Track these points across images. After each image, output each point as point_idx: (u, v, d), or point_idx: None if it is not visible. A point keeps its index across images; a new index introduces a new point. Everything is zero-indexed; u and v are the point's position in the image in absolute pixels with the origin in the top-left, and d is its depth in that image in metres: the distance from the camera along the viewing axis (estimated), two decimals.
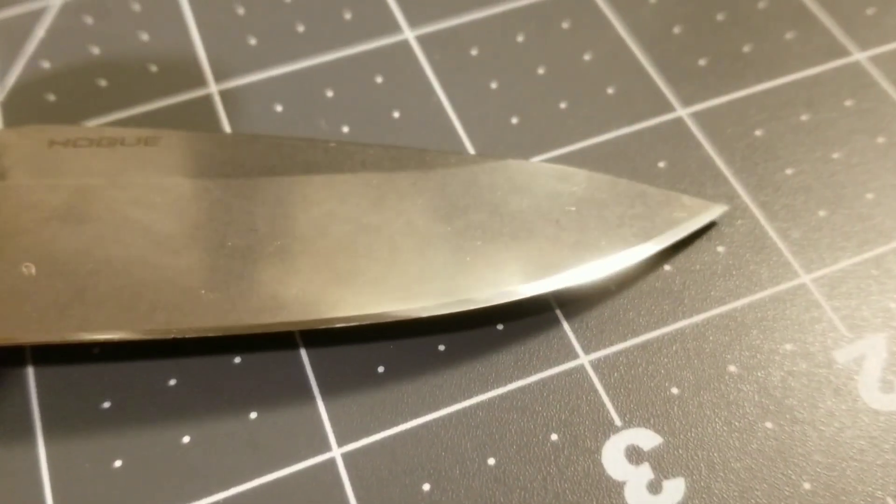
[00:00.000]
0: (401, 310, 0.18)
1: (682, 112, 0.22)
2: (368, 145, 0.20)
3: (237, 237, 0.18)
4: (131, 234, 0.18)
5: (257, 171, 0.19)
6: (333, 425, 0.18)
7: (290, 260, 0.18)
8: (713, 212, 0.20)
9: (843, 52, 0.24)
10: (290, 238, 0.18)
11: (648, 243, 0.19)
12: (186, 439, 0.18)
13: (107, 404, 0.18)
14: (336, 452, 0.18)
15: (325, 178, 0.19)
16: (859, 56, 0.24)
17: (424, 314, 0.18)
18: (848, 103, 0.23)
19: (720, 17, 0.24)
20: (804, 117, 0.22)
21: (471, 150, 0.22)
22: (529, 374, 0.19)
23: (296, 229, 0.18)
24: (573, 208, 0.19)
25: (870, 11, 0.25)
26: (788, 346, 0.19)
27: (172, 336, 0.17)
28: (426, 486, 0.17)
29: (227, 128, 0.22)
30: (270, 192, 0.19)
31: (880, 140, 0.22)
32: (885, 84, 0.23)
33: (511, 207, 0.19)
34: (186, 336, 0.17)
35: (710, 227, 0.20)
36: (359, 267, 0.18)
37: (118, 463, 0.17)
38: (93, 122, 0.22)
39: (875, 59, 0.24)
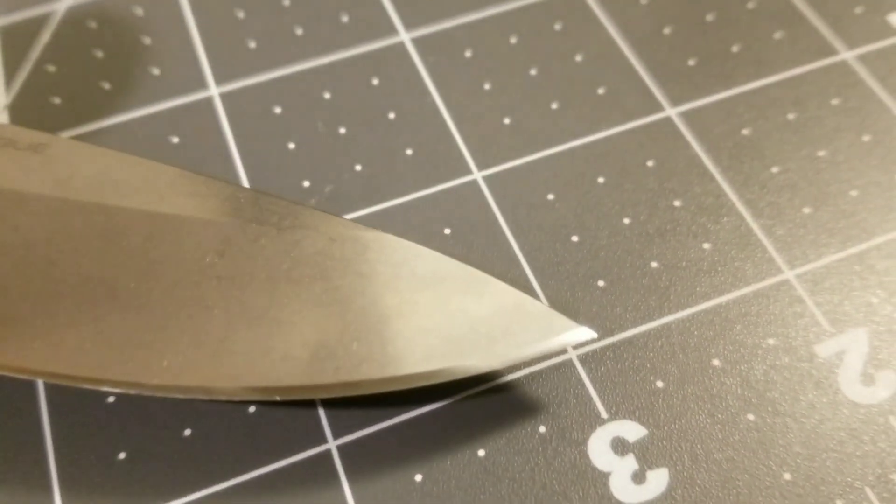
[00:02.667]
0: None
1: (671, 112, 0.23)
2: (246, 190, 0.19)
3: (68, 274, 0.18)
4: None
5: (115, 199, 0.19)
6: (329, 418, 0.19)
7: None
8: (576, 337, 0.18)
9: (831, 52, 0.24)
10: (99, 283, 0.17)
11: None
12: (188, 432, 0.18)
13: (111, 399, 0.19)
14: (332, 445, 0.18)
15: (175, 220, 0.18)
16: (846, 55, 0.24)
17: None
18: (834, 102, 0.23)
19: (710, 17, 0.25)
20: (791, 116, 0.23)
21: (464, 150, 0.22)
22: (519, 368, 0.19)
23: (120, 266, 0.18)
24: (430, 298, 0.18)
25: (858, 10, 0.25)
26: (771, 341, 0.19)
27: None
28: (418, 477, 0.18)
29: (226, 130, 0.23)
30: (127, 229, 0.18)
31: (865, 138, 0.22)
32: (871, 82, 0.24)
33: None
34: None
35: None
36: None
37: (122, 455, 0.18)
38: (96, 125, 0.23)
39: (862, 58, 0.24)
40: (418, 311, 0.18)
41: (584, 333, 0.17)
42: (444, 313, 0.18)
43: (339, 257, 0.18)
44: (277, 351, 0.17)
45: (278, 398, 0.17)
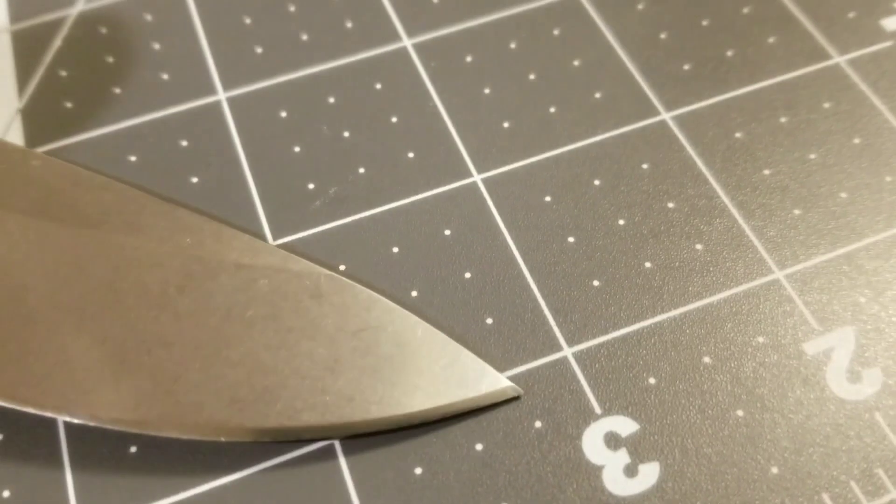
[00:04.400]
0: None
1: (666, 115, 0.23)
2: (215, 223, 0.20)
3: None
4: None
5: (88, 223, 0.19)
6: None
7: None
8: (505, 393, 0.19)
9: (824, 56, 0.25)
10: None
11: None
12: None
13: None
14: (334, 439, 0.19)
15: (140, 251, 0.19)
16: (839, 59, 0.25)
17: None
18: (826, 105, 0.24)
19: (705, 22, 0.25)
20: (783, 119, 0.23)
21: (464, 153, 0.23)
22: (516, 365, 0.20)
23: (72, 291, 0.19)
24: (373, 346, 0.19)
25: (851, 15, 0.26)
26: (761, 339, 0.20)
27: None
28: (418, 470, 0.19)
29: (234, 133, 0.23)
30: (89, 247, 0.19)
31: (856, 141, 0.23)
32: (862, 86, 0.24)
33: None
34: None
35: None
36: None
37: (133, 449, 0.19)
38: (108, 129, 0.23)
39: (854, 62, 0.25)
40: (361, 360, 0.19)
41: (512, 391, 0.19)
42: (385, 363, 0.19)
43: (292, 298, 0.19)
44: (226, 392, 0.18)
45: (223, 439, 0.18)
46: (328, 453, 0.19)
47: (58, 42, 0.25)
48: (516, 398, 0.19)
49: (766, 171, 0.23)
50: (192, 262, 0.19)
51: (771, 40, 0.25)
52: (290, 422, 0.18)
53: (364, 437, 0.19)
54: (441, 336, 0.19)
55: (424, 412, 0.18)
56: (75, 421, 0.18)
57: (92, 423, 0.18)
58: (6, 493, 0.18)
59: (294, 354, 0.18)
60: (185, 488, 0.18)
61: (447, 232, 0.22)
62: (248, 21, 0.26)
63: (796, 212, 0.22)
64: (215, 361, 0.18)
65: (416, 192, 0.22)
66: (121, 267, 0.19)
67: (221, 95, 0.24)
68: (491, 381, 0.19)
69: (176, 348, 0.18)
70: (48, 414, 0.18)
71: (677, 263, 0.21)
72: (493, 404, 0.19)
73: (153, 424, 0.18)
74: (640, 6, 0.26)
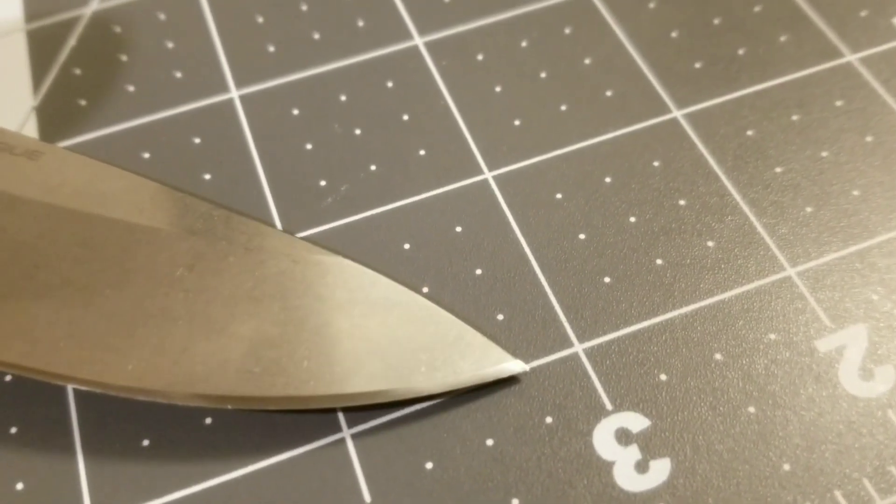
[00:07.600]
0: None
1: (677, 113, 0.23)
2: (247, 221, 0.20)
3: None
4: None
5: (99, 209, 0.20)
6: (345, 409, 0.19)
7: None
8: (510, 368, 0.19)
9: (836, 54, 0.25)
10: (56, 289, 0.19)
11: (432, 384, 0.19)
12: (209, 421, 0.19)
13: None
14: (346, 433, 0.19)
15: (151, 233, 0.19)
16: (851, 57, 0.25)
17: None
18: (838, 103, 0.24)
19: (716, 21, 0.25)
20: (795, 117, 0.23)
21: (475, 150, 0.23)
22: (527, 361, 0.20)
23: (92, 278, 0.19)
24: (376, 324, 0.19)
25: (863, 13, 0.25)
26: (772, 336, 0.20)
27: None
28: (429, 465, 0.19)
29: (247, 131, 0.23)
30: (107, 242, 0.19)
31: (868, 139, 0.23)
32: (875, 84, 0.24)
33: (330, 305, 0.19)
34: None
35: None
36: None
37: (146, 442, 0.19)
38: (121, 126, 0.23)
39: (866, 61, 0.24)
40: (367, 335, 0.19)
41: (517, 366, 0.19)
42: (390, 339, 0.19)
43: (300, 279, 0.19)
44: (233, 363, 0.18)
45: (230, 407, 0.18)
46: (339, 447, 0.19)
47: (72, 41, 0.25)
48: (516, 380, 0.19)
49: (778, 169, 0.22)
50: (201, 245, 0.19)
51: (783, 38, 0.25)
52: (297, 391, 0.18)
53: (374, 431, 0.19)
54: (446, 314, 0.19)
55: (428, 386, 0.19)
56: (83, 388, 0.18)
57: (99, 391, 0.18)
58: (20, 486, 0.18)
59: (300, 330, 0.19)
60: (197, 481, 0.18)
61: (458, 229, 0.22)
62: (260, 20, 0.26)
63: (808, 209, 0.22)
64: (223, 335, 0.18)
65: (428, 190, 0.22)
66: (130, 248, 0.19)
67: (234, 93, 0.24)
68: (495, 358, 0.19)
69: (183, 322, 0.19)
70: (57, 382, 0.18)
71: (688, 260, 0.21)
72: (498, 382, 0.19)
73: (160, 393, 0.18)
74: (652, 4, 0.26)
